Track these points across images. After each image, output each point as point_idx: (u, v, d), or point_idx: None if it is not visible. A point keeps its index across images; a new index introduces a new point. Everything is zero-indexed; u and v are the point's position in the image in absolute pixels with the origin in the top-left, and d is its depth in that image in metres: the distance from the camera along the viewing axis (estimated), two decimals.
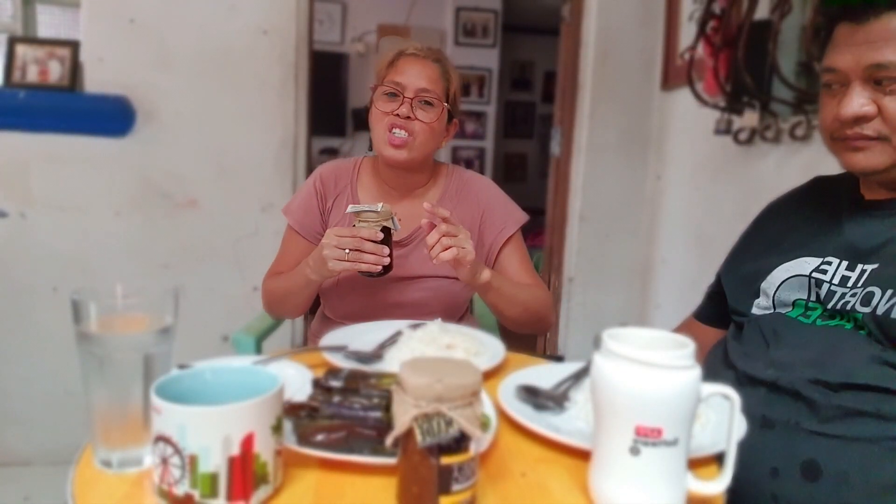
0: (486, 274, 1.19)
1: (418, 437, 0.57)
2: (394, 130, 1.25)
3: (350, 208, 1.16)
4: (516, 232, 1.37)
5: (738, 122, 2.08)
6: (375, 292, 1.31)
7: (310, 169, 2.44)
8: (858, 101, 0.87)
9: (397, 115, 1.24)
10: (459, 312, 1.40)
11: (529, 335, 3.04)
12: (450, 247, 1.11)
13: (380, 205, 1.13)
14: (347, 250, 1.11)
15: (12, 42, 2.19)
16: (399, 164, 1.28)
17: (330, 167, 1.40)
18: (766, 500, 0.83)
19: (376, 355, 0.96)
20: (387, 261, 1.13)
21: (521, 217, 1.39)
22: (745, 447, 0.66)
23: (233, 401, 0.57)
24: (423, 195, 1.37)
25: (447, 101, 1.29)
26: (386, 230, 1.14)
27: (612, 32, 2.68)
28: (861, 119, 0.87)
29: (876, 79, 0.86)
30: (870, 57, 0.85)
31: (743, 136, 2.07)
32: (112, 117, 2.21)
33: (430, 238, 1.12)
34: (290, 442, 0.67)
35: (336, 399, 0.69)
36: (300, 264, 1.24)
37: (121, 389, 0.66)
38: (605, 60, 2.70)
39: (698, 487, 0.62)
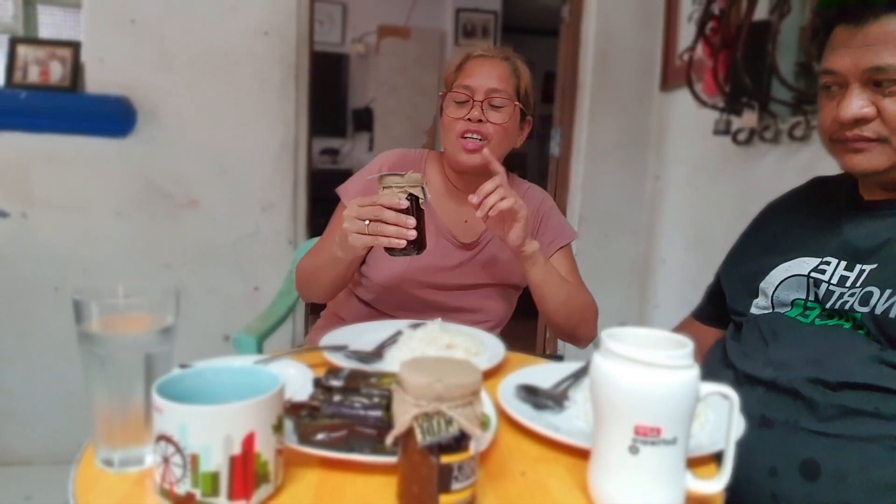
0: (534, 244, 1.15)
1: (418, 436, 0.57)
2: (467, 135, 1.22)
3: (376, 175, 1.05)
4: (567, 245, 1.36)
5: (737, 122, 2.08)
6: (433, 296, 1.28)
7: (310, 169, 2.45)
8: (857, 103, 0.86)
9: (469, 119, 1.22)
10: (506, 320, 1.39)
11: (529, 335, 3.03)
12: (505, 197, 1.06)
13: (409, 172, 1.03)
14: (367, 222, 0.99)
15: (13, 42, 2.19)
16: (476, 169, 1.25)
17: (396, 154, 1.35)
18: (766, 499, 0.83)
19: (376, 355, 0.96)
20: (412, 234, 0.99)
21: (573, 234, 1.38)
22: (743, 446, 0.66)
23: (234, 400, 0.58)
24: None
25: (518, 99, 1.27)
26: (414, 199, 1.00)
27: (612, 33, 2.69)
28: (860, 121, 0.87)
29: (875, 81, 0.86)
30: (868, 60, 0.85)
31: (742, 136, 2.07)
32: (113, 118, 2.21)
33: (487, 186, 1.05)
34: (291, 441, 0.67)
35: (337, 398, 0.69)
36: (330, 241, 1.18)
37: (122, 389, 0.66)
38: (605, 61, 2.70)
39: (697, 486, 0.63)
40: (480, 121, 1.22)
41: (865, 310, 0.85)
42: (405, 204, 1.00)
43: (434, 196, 1.31)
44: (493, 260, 1.33)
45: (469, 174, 1.28)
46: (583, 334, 1.30)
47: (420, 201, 1.02)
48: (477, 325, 1.14)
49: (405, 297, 1.29)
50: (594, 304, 1.32)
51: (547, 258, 1.26)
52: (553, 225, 1.37)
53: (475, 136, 1.22)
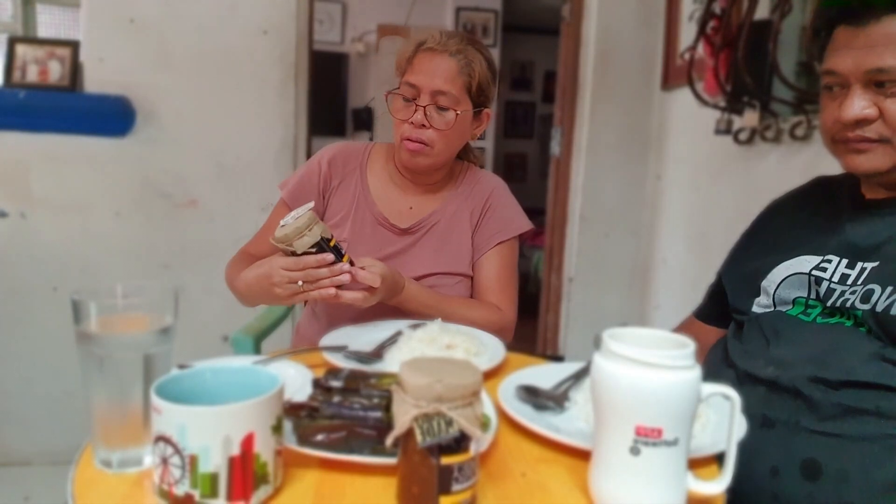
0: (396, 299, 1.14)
1: (418, 437, 0.57)
2: (408, 139, 1.20)
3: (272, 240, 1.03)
4: (509, 240, 1.32)
5: (738, 122, 2.08)
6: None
7: None
8: (859, 104, 0.86)
9: (412, 122, 1.19)
10: None
11: (529, 335, 3.03)
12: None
13: (291, 215, 1.01)
14: (300, 283, 1.01)
15: (12, 42, 2.19)
16: (417, 169, 1.25)
17: (339, 147, 1.33)
18: (767, 499, 0.83)
19: (376, 355, 0.96)
20: (346, 279, 1.02)
21: (522, 225, 1.33)
22: (745, 446, 0.66)
23: (233, 401, 0.57)
24: (436, 190, 1.32)
25: (469, 96, 1.22)
26: (317, 244, 1.01)
27: (612, 32, 2.69)
28: (862, 122, 0.87)
29: (877, 82, 0.86)
30: (870, 61, 0.85)
31: (743, 136, 2.07)
32: (112, 117, 2.21)
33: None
34: (291, 442, 0.67)
35: (336, 399, 0.69)
36: (262, 271, 1.09)
37: (121, 389, 0.66)
38: (605, 60, 2.70)
39: (698, 487, 0.62)
40: (424, 125, 1.19)
41: (866, 307, 0.85)
42: (331, 258, 1.00)
43: (379, 185, 1.31)
44: (438, 247, 1.29)
45: (416, 172, 1.28)
46: None
47: (319, 240, 1.01)
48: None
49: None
50: (501, 323, 1.24)
51: (483, 252, 1.29)
52: (498, 217, 1.32)
53: (417, 143, 1.20)
